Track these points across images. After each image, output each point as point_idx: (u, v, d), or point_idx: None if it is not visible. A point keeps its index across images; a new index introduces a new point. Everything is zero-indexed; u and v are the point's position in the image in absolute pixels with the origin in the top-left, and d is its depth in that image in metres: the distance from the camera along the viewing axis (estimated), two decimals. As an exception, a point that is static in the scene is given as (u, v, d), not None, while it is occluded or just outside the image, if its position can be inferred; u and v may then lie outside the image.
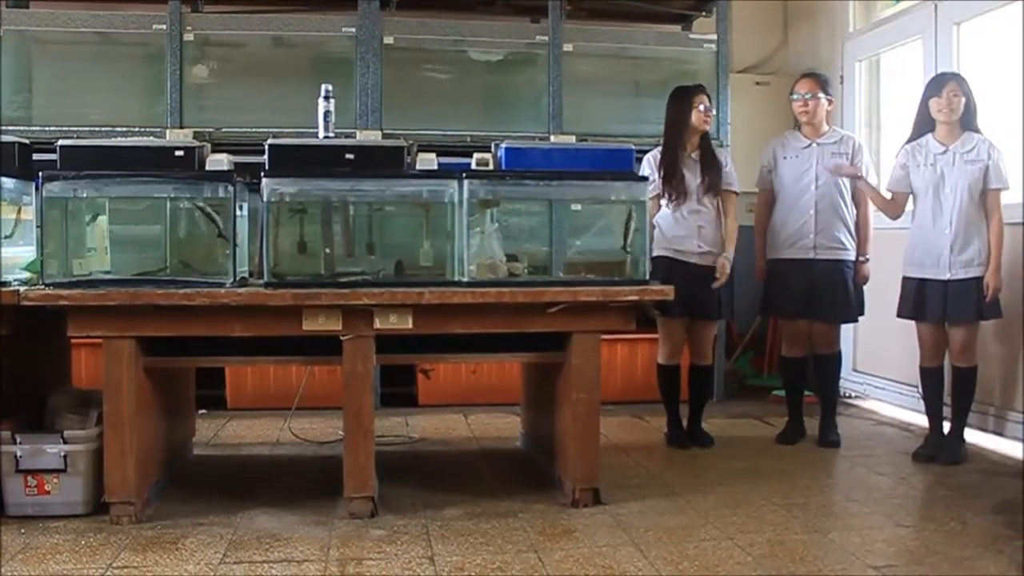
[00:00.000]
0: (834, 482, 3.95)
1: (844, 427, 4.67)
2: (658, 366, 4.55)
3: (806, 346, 4.55)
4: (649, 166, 4.38)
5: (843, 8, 5.96)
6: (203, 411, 4.88)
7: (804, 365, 4.60)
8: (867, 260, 4.46)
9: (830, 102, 4.50)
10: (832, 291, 4.39)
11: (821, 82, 4.49)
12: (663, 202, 4.35)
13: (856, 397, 5.66)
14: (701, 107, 4.32)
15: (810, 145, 4.44)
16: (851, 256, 4.42)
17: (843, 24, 5.95)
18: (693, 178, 4.34)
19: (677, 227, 4.33)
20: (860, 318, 4.56)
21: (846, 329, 4.92)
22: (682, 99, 4.36)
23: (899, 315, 4.24)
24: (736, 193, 4.45)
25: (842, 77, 5.84)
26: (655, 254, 4.31)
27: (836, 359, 4.55)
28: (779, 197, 4.50)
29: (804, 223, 4.39)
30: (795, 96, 4.48)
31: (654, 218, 4.35)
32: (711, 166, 4.36)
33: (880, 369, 5.46)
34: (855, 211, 4.45)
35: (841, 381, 4.84)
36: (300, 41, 5.29)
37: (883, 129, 5.77)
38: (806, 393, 4.66)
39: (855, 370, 5.69)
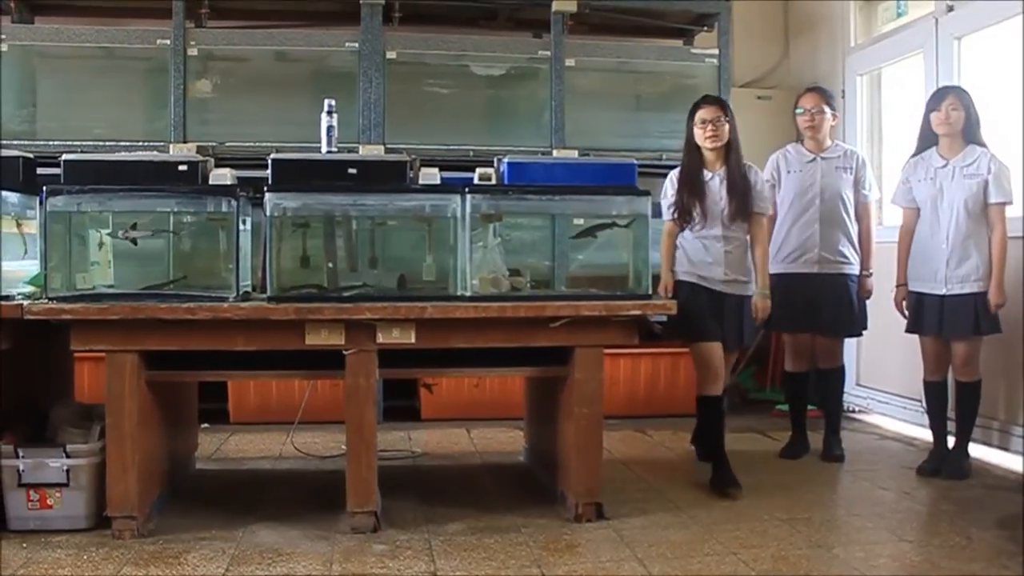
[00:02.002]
0: (838, 497, 3.94)
1: (848, 441, 4.65)
2: (699, 399, 4.08)
3: (809, 360, 4.54)
4: (672, 185, 4.07)
5: (844, 22, 5.98)
6: (205, 425, 4.87)
7: (807, 379, 4.59)
8: (870, 274, 4.45)
9: (834, 117, 4.51)
10: (836, 305, 4.38)
11: (826, 96, 4.50)
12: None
13: (859, 411, 5.65)
14: (702, 122, 3.98)
15: (814, 159, 4.45)
16: (855, 270, 4.42)
17: (844, 38, 5.97)
18: (717, 201, 3.98)
19: (703, 253, 4.00)
20: (863, 332, 4.56)
21: (849, 343, 4.92)
22: (689, 114, 4.07)
23: (906, 329, 4.24)
24: (766, 215, 4.16)
25: (843, 91, 5.85)
26: (678, 278, 4.03)
27: (839, 373, 4.54)
28: (782, 211, 4.50)
29: (808, 237, 4.39)
30: (800, 110, 4.48)
31: (675, 239, 4.07)
32: (738, 188, 3.97)
33: (883, 383, 5.45)
34: (857, 225, 4.45)
35: (844, 395, 4.83)
36: (303, 56, 5.31)
37: (885, 143, 5.78)
38: (809, 407, 4.65)
39: (858, 384, 5.68)
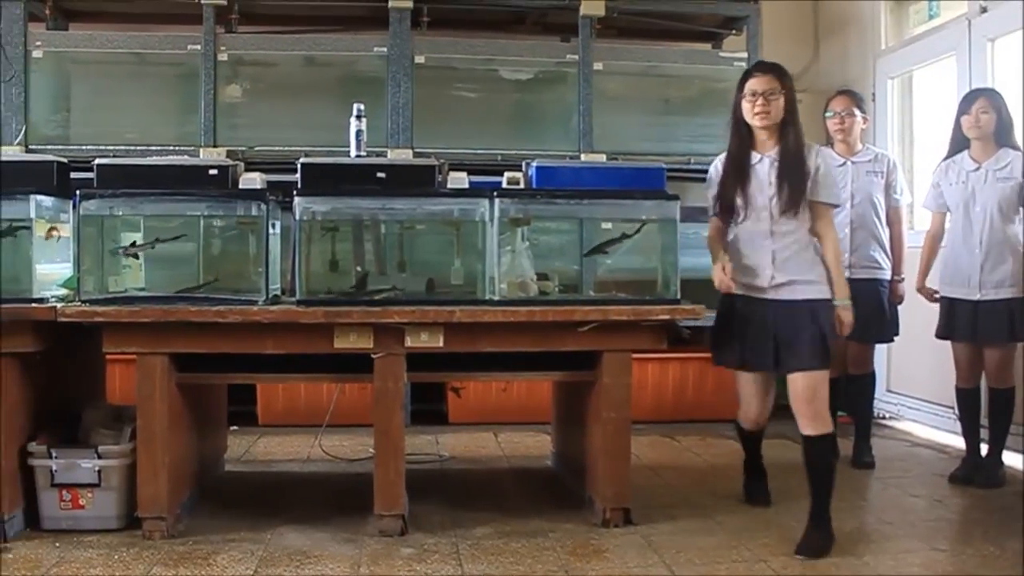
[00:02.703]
0: (868, 504, 3.90)
1: (878, 448, 4.60)
2: (736, 426, 3.75)
3: (840, 366, 4.48)
4: (716, 172, 3.47)
5: (874, 25, 5.93)
6: (234, 427, 4.90)
7: (837, 386, 4.53)
8: (902, 279, 4.41)
9: (865, 120, 4.47)
10: (867, 310, 4.30)
11: (857, 99, 4.46)
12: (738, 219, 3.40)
13: (890, 418, 5.58)
14: (752, 94, 3.30)
15: (844, 163, 4.41)
16: (886, 275, 4.38)
17: (875, 41, 5.92)
18: (763, 188, 3.30)
19: (746, 254, 3.34)
20: (895, 338, 4.51)
21: (879, 349, 4.86)
22: (739, 84, 3.39)
23: (937, 335, 4.19)
24: (833, 206, 3.41)
25: (874, 94, 5.81)
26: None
27: (870, 379, 4.50)
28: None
29: (839, 242, 4.34)
30: (830, 113, 4.45)
31: (725, 238, 3.47)
32: (791, 174, 3.26)
33: (915, 389, 5.39)
34: (889, 230, 4.41)
35: (875, 401, 4.78)
36: (332, 60, 5.34)
37: (916, 146, 5.72)
38: (839, 414, 4.60)
39: (889, 390, 5.62)
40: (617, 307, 3.34)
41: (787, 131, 3.30)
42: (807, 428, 3.26)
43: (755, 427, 3.62)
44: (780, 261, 3.29)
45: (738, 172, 3.35)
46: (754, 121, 3.31)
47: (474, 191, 3.54)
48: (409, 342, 3.25)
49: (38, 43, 5.10)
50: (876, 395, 4.82)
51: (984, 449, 4.12)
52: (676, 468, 4.40)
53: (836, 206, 3.45)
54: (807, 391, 3.24)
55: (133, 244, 3.37)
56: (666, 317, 3.35)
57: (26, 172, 3.43)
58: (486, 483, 4.17)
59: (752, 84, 3.31)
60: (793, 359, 3.25)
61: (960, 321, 4.05)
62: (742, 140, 3.37)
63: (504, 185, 3.70)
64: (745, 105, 3.33)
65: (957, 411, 4.25)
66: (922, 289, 4.24)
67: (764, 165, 3.32)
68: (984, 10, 4.86)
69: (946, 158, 4.19)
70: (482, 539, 3.27)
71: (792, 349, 3.25)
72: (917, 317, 4.41)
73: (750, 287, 3.32)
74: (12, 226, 3.22)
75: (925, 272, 4.24)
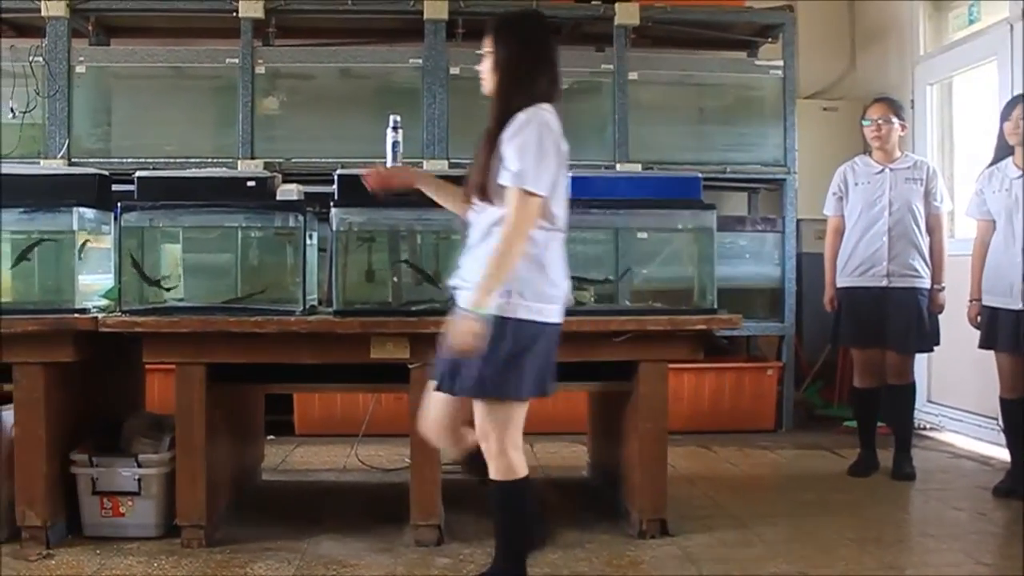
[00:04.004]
0: (909, 516, 3.85)
1: (919, 460, 4.53)
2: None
3: (879, 377, 4.43)
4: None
5: (913, 31, 5.86)
6: (271, 437, 4.93)
7: (877, 396, 4.48)
8: (943, 288, 4.35)
9: (903, 127, 4.43)
10: (906, 320, 4.28)
11: (894, 107, 4.42)
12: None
13: (931, 429, 5.50)
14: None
15: (882, 171, 4.36)
16: (926, 284, 4.32)
17: (913, 47, 5.86)
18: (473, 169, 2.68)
19: None
20: (935, 348, 4.44)
21: (920, 359, 4.79)
22: None
23: (979, 345, 4.12)
24: (530, 193, 2.53)
25: (913, 101, 5.74)
26: None
27: (910, 390, 4.44)
28: (850, 224, 4.42)
29: (877, 250, 4.30)
30: (867, 121, 4.41)
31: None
32: (482, 145, 2.61)
33: (957, 400, 5.31)
34: (928, 238, 4.35)
35: (915, 412, 4.71)
36: (368, 72, 5.38)
37: (956, 153, 5.65)
38: (879, 424, 4.54)
39: (930, 401, 5.54)
40: (654, 317, 3.33)
41: (498, 94, 2.67)
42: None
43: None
44: (463, 260, 2.68)
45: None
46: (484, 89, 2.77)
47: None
48: (445, 352, 3.25)
49: (81, 59, 5.19)
50: (917, 406, 4.75)
51: (1029, 461, 4.05)
52: (713, 479, 4.37)
53: (531, 194, 2.49)
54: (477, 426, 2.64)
55: (136, 265, 3.40)
56: (703, 327, 3.33)
57: (69, 184, 3.48)
58: (522, 493, 4.15)
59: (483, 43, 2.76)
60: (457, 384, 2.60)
61: (1002, 331, 3.98)
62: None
63: (539, 195, 3.70)
64: None
65: (1001, 422, 4.17)
66: (976, 302, 4.10)
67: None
68: (1026, 14, 4.80)
69: (990, 165, 4.14)
70: (518, 549, 3.26)
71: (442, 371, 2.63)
72: (958, 327, 4.34)
73: None
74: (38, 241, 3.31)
75: (979, 282, 4.10)
